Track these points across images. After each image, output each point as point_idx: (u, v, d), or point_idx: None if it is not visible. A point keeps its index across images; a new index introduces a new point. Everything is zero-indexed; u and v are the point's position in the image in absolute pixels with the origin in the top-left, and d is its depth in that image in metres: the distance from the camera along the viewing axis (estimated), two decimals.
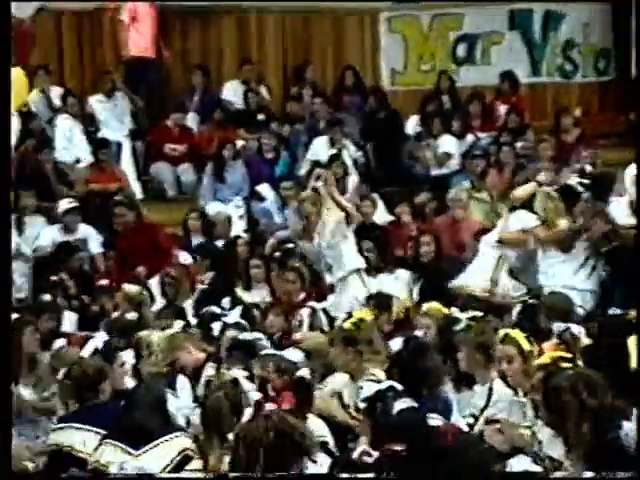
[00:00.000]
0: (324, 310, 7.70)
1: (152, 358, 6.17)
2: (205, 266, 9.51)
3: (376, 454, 4.30)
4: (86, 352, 6.51)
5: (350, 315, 6.04)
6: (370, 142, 11.12)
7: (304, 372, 5.38)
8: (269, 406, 4.08)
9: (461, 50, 12.02)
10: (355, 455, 4.48)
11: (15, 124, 6.68)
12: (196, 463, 4.77)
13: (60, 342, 7.44)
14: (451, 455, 3.83)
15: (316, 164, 10.84)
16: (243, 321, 7.32)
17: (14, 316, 7.11)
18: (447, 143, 10.96)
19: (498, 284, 7.87)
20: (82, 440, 5.16)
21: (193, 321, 8.16)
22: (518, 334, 5.30)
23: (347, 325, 5.83)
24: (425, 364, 5.21)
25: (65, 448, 5.18)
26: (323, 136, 10.96)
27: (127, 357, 6.07)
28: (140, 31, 11.29)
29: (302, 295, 8.15)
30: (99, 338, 6.17)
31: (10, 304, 4.91)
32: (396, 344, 5.20)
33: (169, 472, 4.84)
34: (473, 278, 7.91)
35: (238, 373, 5.85)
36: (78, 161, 10.86)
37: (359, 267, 7.89)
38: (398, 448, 4.07)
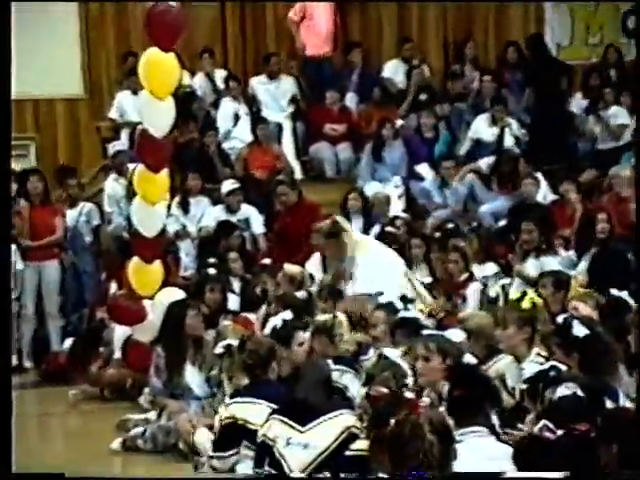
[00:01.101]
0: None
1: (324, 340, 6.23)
2: None
3: (560, 432, 4.16)
4: (267, 330, 6.61)
5: (524, 294, 5.89)
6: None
7: (468, 358, 5.29)
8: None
9: (632, 22, 11.55)
10: (536, 430, 4.36)
11: (171, 107, 6.82)
12: (360, 443, 4.76)
13: (226, 321, 7.60)
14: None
15: (477, 143, 10.70)
16: (397, 301, 7.27)
17: (182, 295, 7.28)
18: (620, 114, 10.53)
19: None
20: (255, 413, 5.25)
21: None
22: None
23: (525, 304, 5.70)
24: (603, 346, 5.05)
25: (239, 421, 5.30)
26: (485, 114, 10.76)
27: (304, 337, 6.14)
28: (312, 29, 11.29)
29: (464, 275, 8.04)
30: (280, 317, 6.26)
31: (9, 300, 4.97)
32: (576, 328, 5.04)
33: (334, 449, 4.85)
34: None
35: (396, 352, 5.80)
36: (240, 142, 11.04)
37: None
38: (584, 428, 3.93)
